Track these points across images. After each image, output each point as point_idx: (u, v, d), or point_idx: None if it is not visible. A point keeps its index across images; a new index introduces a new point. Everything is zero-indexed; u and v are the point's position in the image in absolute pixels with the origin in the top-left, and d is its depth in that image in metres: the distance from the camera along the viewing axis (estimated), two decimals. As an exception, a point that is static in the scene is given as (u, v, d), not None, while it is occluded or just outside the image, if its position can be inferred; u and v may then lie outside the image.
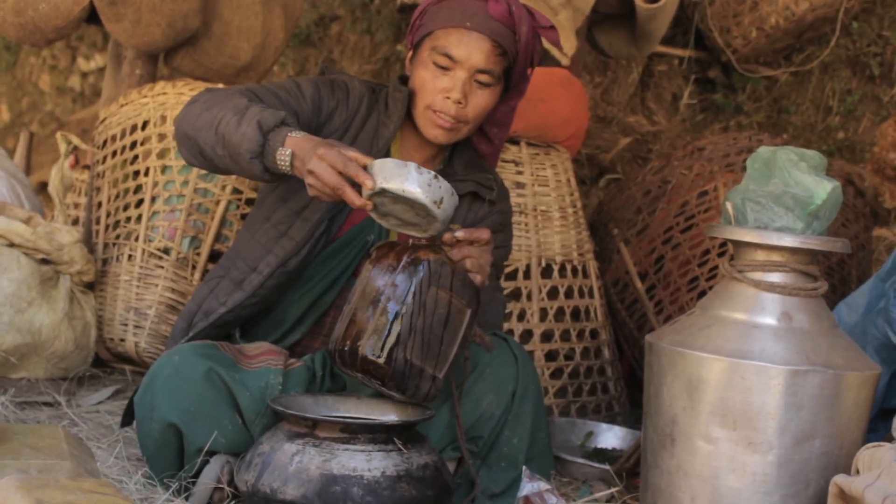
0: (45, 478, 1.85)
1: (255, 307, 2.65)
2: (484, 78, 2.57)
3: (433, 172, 2.25)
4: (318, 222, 2.61)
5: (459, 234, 2.41)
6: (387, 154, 2.68)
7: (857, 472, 2.24)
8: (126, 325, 3.53)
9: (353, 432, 2.30)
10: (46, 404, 3.19)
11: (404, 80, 2.71)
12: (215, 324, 2.62)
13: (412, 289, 2.30)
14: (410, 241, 2.37)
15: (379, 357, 2.28)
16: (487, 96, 2.60)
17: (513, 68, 2.63)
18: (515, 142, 3.64)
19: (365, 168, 2.26)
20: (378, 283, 2.32)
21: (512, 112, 2.77)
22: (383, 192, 2.26)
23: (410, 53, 2.67)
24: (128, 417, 2.70)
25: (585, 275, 3.73)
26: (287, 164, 2.33)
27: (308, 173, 2.27)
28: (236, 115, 2.37)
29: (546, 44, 3.70)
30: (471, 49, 2.55)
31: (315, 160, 2.26)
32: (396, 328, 2.29)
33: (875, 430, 2.81)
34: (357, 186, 2.27)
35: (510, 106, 2.75)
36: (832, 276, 3.82)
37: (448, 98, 2.56)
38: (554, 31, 2.67)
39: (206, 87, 3.62)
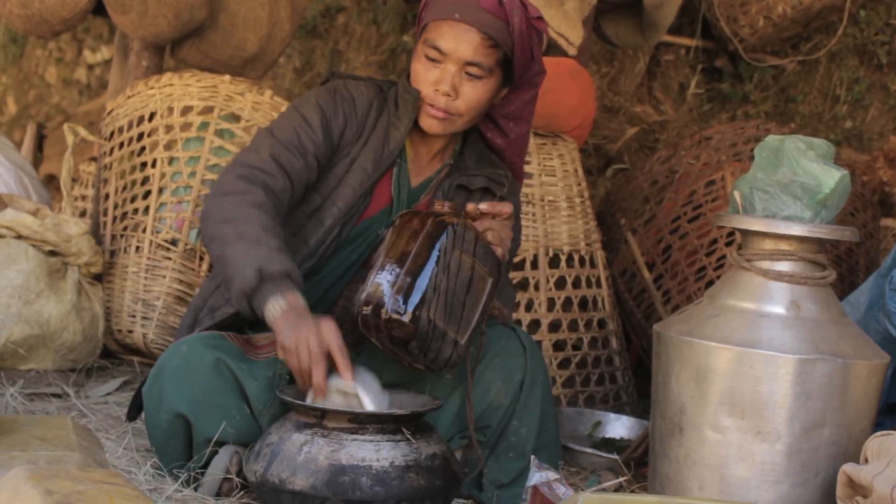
0: (54, 468, 1.86)
1: None
2: (474, 70, 2.56)
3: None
4: (332, 227, 2.62)
5: (483, 206, 2.44)
6: (400, 154, 2.67)
7: (866, 460, 2.24)
8: (134, 316, 3.53)
9: (362, 422, 2.30)
10: (55, 396, 3.20)
11: None
12: (222, 323, 2.62)
13: (437, 250, 2.31)
14: (435, 207, 2.38)
15: (403, 315, 2.29)
16: (479, 88, 2.59)
17: (511, 59, 2.61)
18: (530, 126, 3.62)
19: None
20: (403, 246, 2.33)
21: (527, 105, 2.74)
22: (346, 394, 2.34)
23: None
24: (134, 411, 2.71)
25: (593, 265, 3.73)
26: (273, 316, 2.33)
27: (296, 332, 2.29)
28: (241, 245, 2.36)
29: (553, 33, 3.69)
30: (459, 41, 2.54)
31: (322, 326, 2.31)
32: (421, 288, 2.29)
33: (881, 424, 2.80)
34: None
35: (524, 99, 2.72)
36: (840, 265, 3.82)
37: (437, 90, 2.56)
38: (543, 21, 2.64)
39: (211, 77, 3.63)
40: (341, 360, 2.29)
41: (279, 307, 2.32)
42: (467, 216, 2.44)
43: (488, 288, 2.42)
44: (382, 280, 2.32)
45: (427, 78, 2.57)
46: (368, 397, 2.31)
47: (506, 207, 2.46)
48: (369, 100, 2.67)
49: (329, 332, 2.30)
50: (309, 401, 2.32)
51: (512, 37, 2.55)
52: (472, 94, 2.58)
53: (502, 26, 2.54)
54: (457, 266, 2.35)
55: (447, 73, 2.55)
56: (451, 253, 2.34)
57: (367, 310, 2.32)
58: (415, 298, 2.30)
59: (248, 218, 2.40)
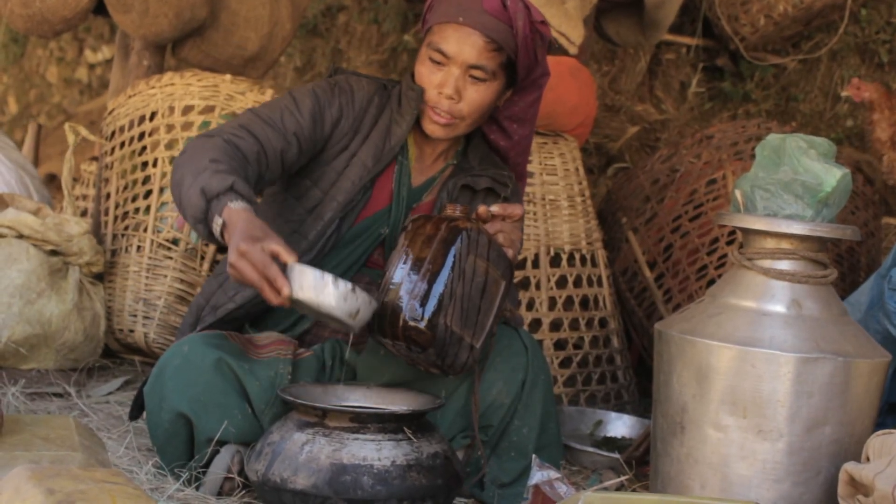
0: (56, 468, 1.86)
1: (265, 303, 2.65)
2: (477, 73, 2.56)
3: (350, 284, 2.23)
4: (331, 221, 2.61)
5: (494, 208, 2.44)
6: (402, 152, 2.67)
7: (868, 459, 2.24)
8: (135, 315, 3.53)
9: (363, 422, 2.30)
10: (56, 395, 3.20)
11: None
12: (224, 319, 2.63)
13: (452, 255, 2.31)
14: (447, 212, 2.38)
15: (420, 322, 2.29)
16: (483, 91, 2.59)
17: (515, 62, 2.61)
18: (534, 128, 3.63)
19: (286, 267, 2.22)
20: (417, 252, 2.33)
21: (531, 107, 2.74)
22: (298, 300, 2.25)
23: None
24: (136, 411, 2.71)
25: (594, 264, 3.73)
26: (219, 233, 2.30)
27: (229, 265, 2.24)
28: (190, 177, 2.35)
29: (554, 32, 3.69)
30: (462, 45, 2.54)
31: (236, 256, 2.21)
32: (437, 294, 2.29)
33: (882, 424, 2.80)
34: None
35: (528, 101, 2.71)
36: (841, 264, 3.81)
37: (441, 93, 2.56)
38: (546, 26, 2.65)
39: (212, 76, 3.63)
40: (272, 278, 2.20)
41: (219, 227, 2.29)
42: (478, 219, 2.44)
43: (501, 291, 2.43)
44: (398, 286, 2.32)
45: (431, 81, 2.57)
46: (319, 297, 2.21)
47: (517, 209, 2.47)
48: (369, 95, 2.67)
49: (250, 254, 2.20)
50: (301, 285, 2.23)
51: (515, 40, 2.55)
52: (476, 97, 2.58)
53: (506, 30, 2.54)
54: (472, 271, 2.35)
55: (451, 77, 2.55)
56: (466, 258, 2.34)
57: (383, 316, 2.32)
58: (431, 305, 2.30)
59: (198, 157, 2.39)
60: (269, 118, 2.56)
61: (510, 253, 2.45)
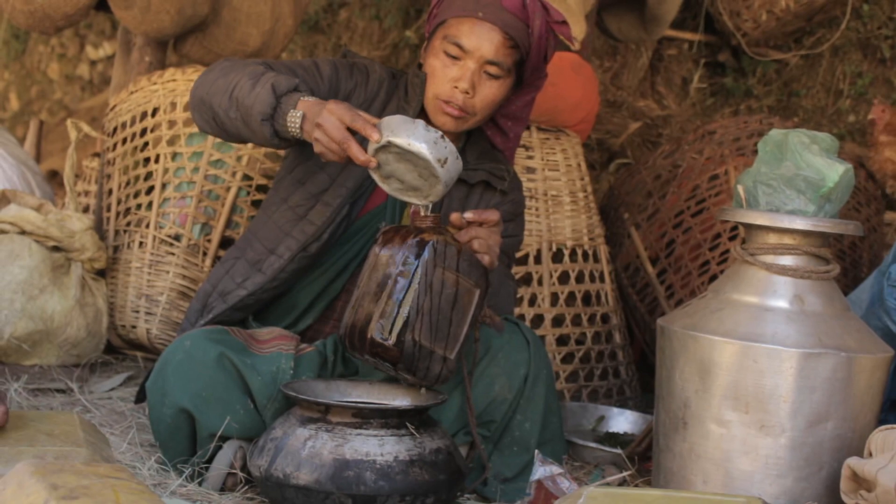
0: (60, 463, 1.86)
1: (276, 290, 2.66)
2: (493, 69, 2.56)
3: (440, 132, 2.27)
4: (340, 207, 2.61)
5: (468, 214, 2.42)
6: None
7: (870, 454, 2.24)
8: (137, 311, 3.53)
9: (366, 417, 2.30)
10: (59, 391, 3.20)
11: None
12: (235, 307, 2.63)
13: (418, 270, 2.31)
14: (416, 223, 2.37)
15: (387, 340, 2.29)
16: (496, 88, 2.59)
17: (525, 62, 2.61)
18: (526, 126, 3.63)
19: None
20: (384, 267, 2.33)
21: (527, 107, 2.75)
22: (388, 147, 2.27)
23: (426, 43, 2.67)
24: (142, 395, 2.71)
25: (596, 259, 3.73)
26: (297, 126, 2.36)
27: (316, 127, 2.31)
28: (251, 80, 2.41)
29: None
30: (481, 40, 2.54)
31: (325, 114, 2.30)
32: (404, 310, 2.29)
33: (884, 421, 2.80)
34: (364, 146, 2.31)
35: (525, 101, 2.73)
36: (844, 259, 3.81)
37: (456, 87, 2.56)
38: (566, 26, 2.65)
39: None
40: (360, 127, 2.28)
41: (298, 119, 2.35)
42: (452, 225, 2.43)
43: (475, 300, 2.41)
44: (366, 303, 2.33)
45: (446, 74, 2.57)
46: (410, 139, 2.25)
47: (492, 215, 2.44)
48: (381, 79, 2.68)
49: (337, 110, 2.31)
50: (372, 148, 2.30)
51: (530, 39, 2.56)
52: (489, 93, 2.58)
53: (523, 28, 2.55)
54: (440, 284, 2.34)
55: (467, 71, 2.55)
56: (433, 272, 2.33)
57: (353, 332, 2.34)
58: (398, 322, 2.30)
59: (244, 67, 2.47)
60: (289, 67, 2.60)
61: (486, 259, 2.42)
